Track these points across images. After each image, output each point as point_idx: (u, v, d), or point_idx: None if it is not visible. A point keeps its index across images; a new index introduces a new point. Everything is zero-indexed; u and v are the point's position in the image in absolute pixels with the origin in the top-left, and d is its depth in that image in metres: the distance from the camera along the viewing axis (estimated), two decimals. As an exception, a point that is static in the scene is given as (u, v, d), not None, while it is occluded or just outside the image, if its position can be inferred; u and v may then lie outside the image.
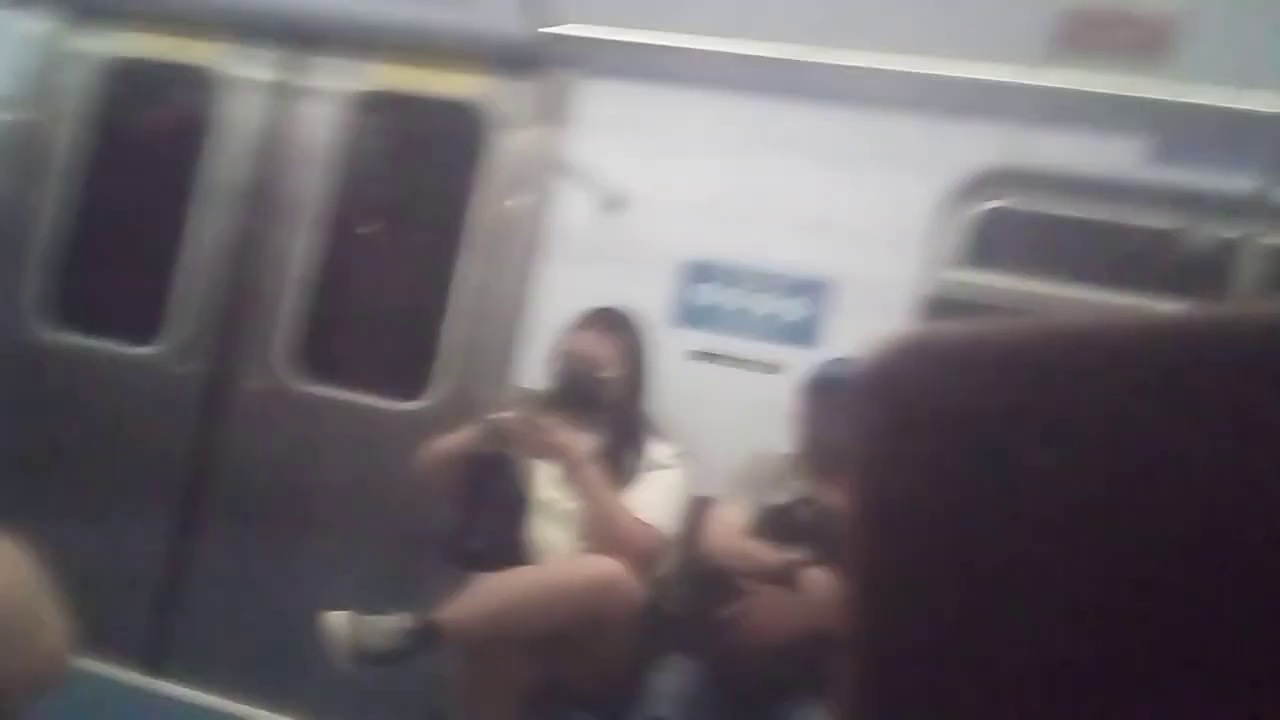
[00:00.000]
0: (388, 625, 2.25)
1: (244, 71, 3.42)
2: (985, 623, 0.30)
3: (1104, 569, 0.28)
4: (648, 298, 2.93)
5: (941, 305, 2.85)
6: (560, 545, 2.56)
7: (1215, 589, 0.27)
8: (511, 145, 3.18)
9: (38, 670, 0.78)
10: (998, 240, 2.92)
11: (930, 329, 0.32)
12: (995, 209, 2.91)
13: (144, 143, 3.64)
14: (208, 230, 3.39)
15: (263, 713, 3.11)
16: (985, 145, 2.85)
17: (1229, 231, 2.68)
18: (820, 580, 2.30)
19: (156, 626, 3.31)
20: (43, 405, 3.43)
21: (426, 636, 2.27)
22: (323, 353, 3.37)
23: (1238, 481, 0.26)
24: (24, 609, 0.77)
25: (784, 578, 2.31)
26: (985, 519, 0.30)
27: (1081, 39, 2.72)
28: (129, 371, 3.40)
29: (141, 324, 3.41)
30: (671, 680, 2.33)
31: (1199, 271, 2.66)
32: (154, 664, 3.27)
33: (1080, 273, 2.80)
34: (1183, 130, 2.69)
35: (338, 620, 2.25)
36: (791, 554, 2.34)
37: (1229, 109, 2.42)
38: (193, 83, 3.48)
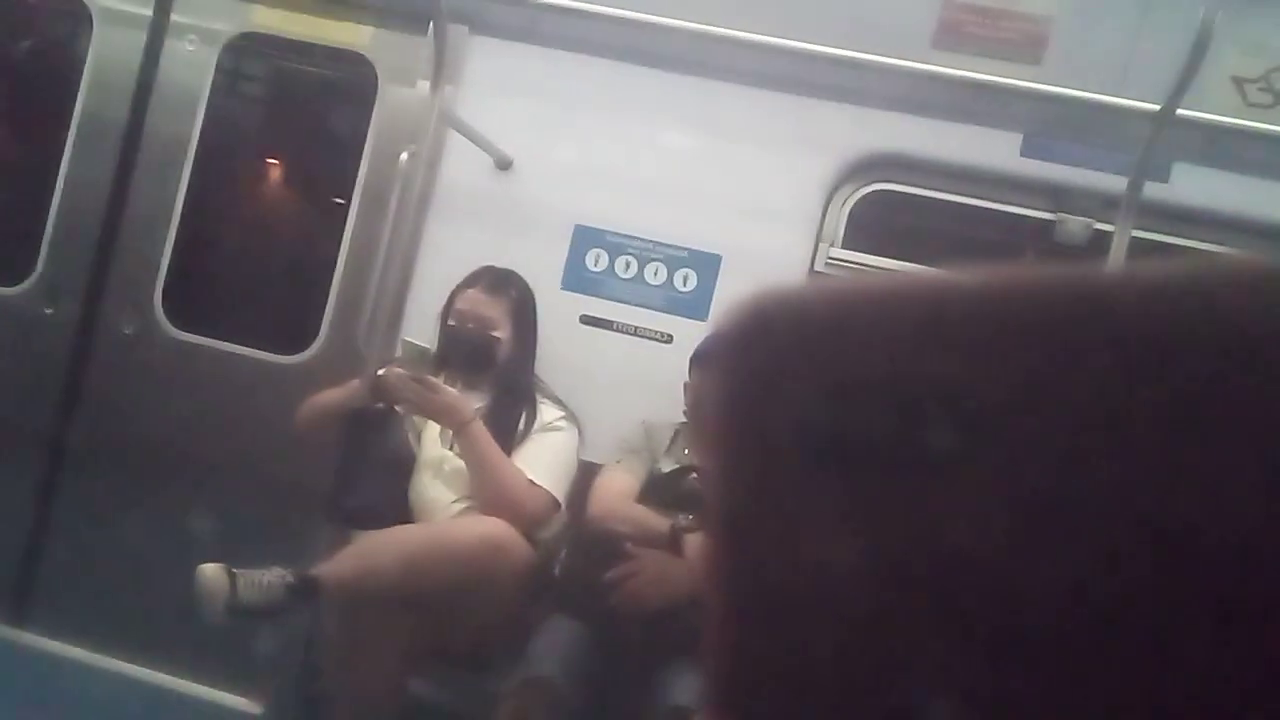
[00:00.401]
0: (264, 579, 2.19)
1: (118, 4, 3.26)
2: (843, 602, 0.28)
3: (970, 537, 0.27)
4: (538, 260, 2.94)
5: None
6: (445, 504, 2.56)
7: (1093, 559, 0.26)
8: (400, 99, 3.12)
9: None
10: (880, 222, 3.02)
11: (799, 287, 0.30)
12: (878, 191, 3.00)
13: (14, 74, 3.45)
14: (81, 168, 3.24)
15: (128, 665, 3.03)
16: (871, 130, 2.93)
17: (1099, 223, 2.84)
18: (702, 544, 2.36)
19: (21, 576, 3.19)
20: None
21: (304, 592, 2.22)
22: (202, 301, 3.27)
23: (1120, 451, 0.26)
24: None
25: (669, 543, 2.36)
26: (844, 492, 0.28)
27: (965, 32, 2.83)
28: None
29: (10, 263, 3.25)
30: (554, 640, 2.36)
31: (1070, 260, 2.81)
32: (17, 615, 3.15)
33: (957, 256, 2.91)
34: (1055, 125, 2.83)
35: (212, 573, 2.18)
36: (675, 520, 2.40)
37: (1099, 103, 2.54)
38: (65, 12, 3.31)
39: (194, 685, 2.96)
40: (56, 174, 3.23)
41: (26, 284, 3.25)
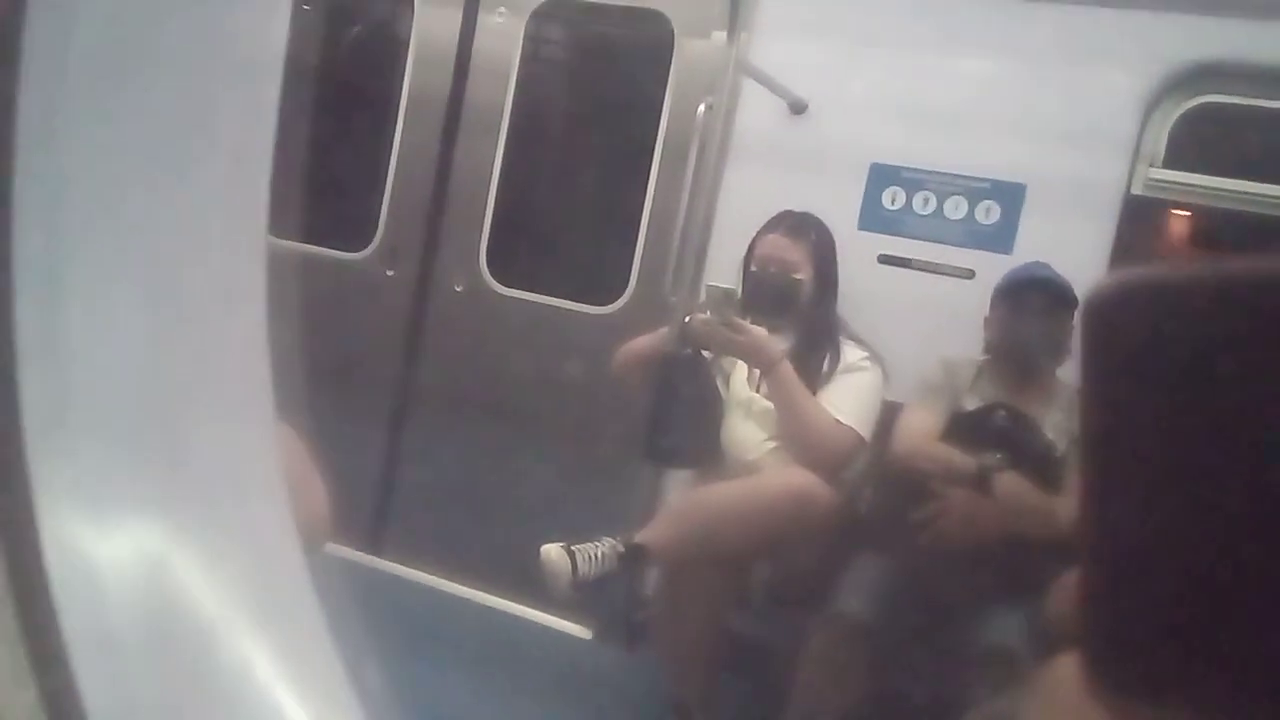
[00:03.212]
0: (599, 552, 2.37)
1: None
2: (1208, 544, 0.33)
3: None
4: (835, 202, 2.93)
5: (1145, 206, 2.76)
6: (756, 443, 2.65)
7: None
8: (696, 51, 3.20)
9: (310, 528, 0.89)
10: (1206, 138, 2.79)
11: (1147, 266, 0.35)
12: (1203, 105, 2.77)
13: (347, 56, 3.82)
14: (411, 141, 3.56)
15: (470, 590, 3.35)
16: (1195, 38, 2.70)
17: None
18: (1012, 485, 2.32)
19: (375, 511, 3.60)
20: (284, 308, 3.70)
21: (634, 559, 2.39)
22: (522, 258, 3.53)
23: None
24: (299, 476, 0.88)
25: (976, 482, 2.34)
26: (1207, 450, 0.33)
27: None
28: (345, 274, 3.64)
29: (356, 231, 3.64)
30: (863, 578, 2.41)
31: None
32: (375, 544, 3.56)
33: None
34: None
35: (555, 554, 2.36)
36: (984, 459, 2.37)
37: None
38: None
39: (529, 610, 3.23)
40: (391, 148, 3.56)
41: (370, 249, 3.63)
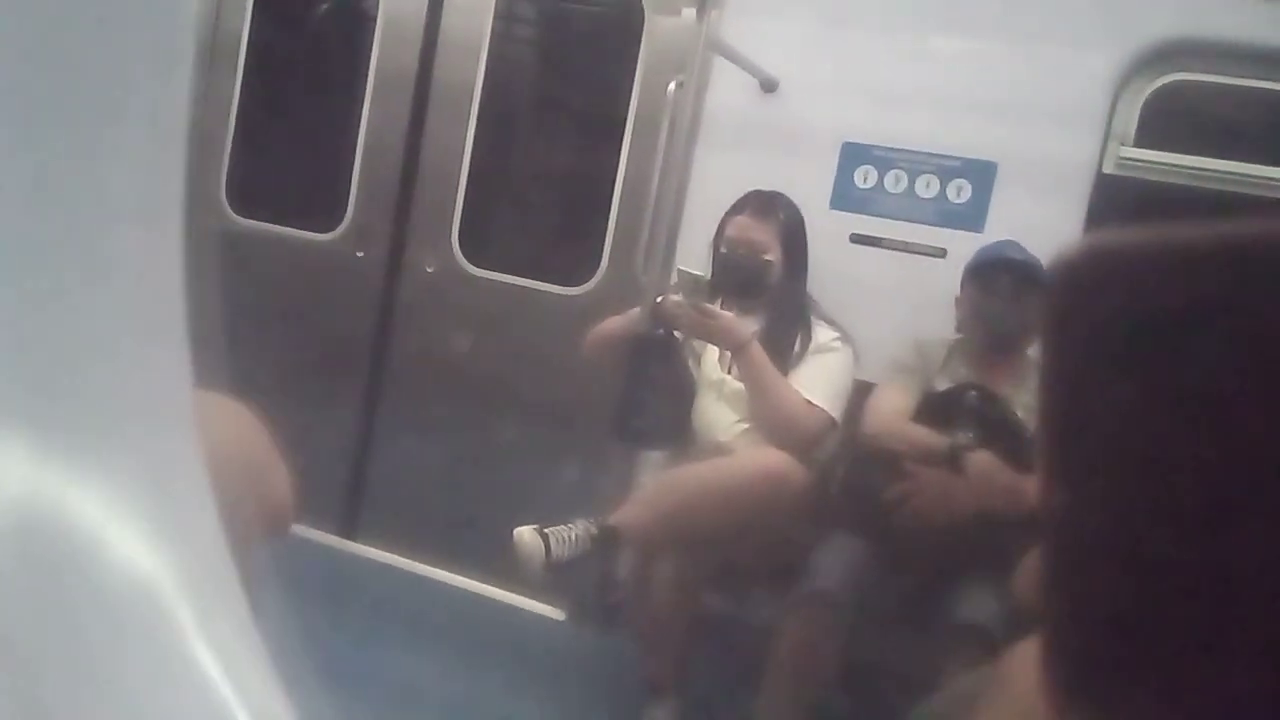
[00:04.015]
0: (572, 534, 2.36)
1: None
2: (1173, 512, 0.32)
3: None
4: (806, 181, 2.92)
5: (1117, 185, 2.76)
6: (727, 424, 2.64)
7: None
8: (666, 29, 3.17)
9: (270, 515, 0.87)
10: (1178, 116, 2.80)
11: (1114, 232, 0.34)
12: (1175, 83, 2.78)
13: (314, 35, 3.77)
14: (378, 120, 3.52)
15: (443, 573, 3.35)
16: (1166, 14, 2.70)
17: None
18: (983, 464, 2.33)
19: (349, 494, 3.58)
20: (237, 288, 3.67)
21: (608, 541, 2.39)
22: (493, 239, 3.50)
23: None
24: (259, 461, 0.86)
25: (948, 461, 2.35)
26: (1173, 417, 0.32)
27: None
28: (314, 256, 3.61)
29: (326, 212, 3.60)
30: (836, 557, 2.41)
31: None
32: (348, 528, 3.54)
33: (1266, 152, 2.67)
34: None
35: (528, 537, 2.35)
36: (955, 439, 2.38)
37: None
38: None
39: (502, 592, 3.23)
40: (359, 127, 3.52)
41: (339, 230, 3.59)
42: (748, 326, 2.58)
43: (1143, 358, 0.33)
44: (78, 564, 0.40)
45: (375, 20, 3.50)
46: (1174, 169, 2.72)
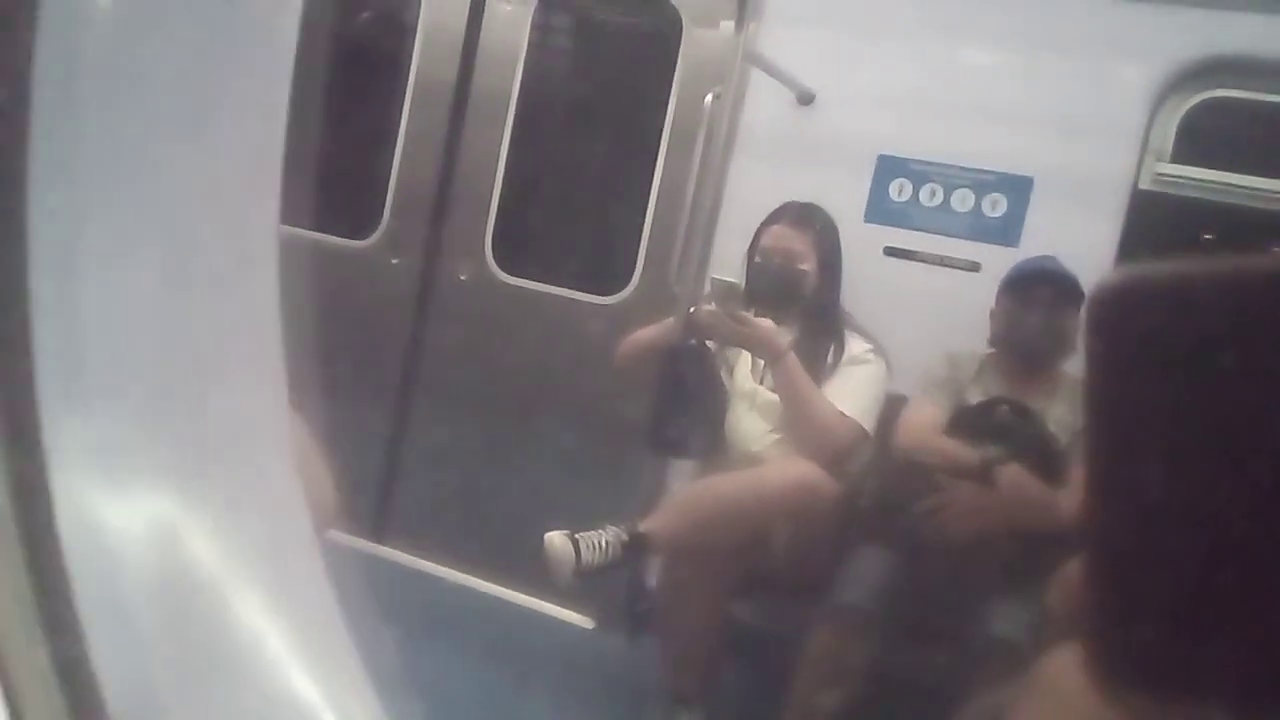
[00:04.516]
0: (603, 540, 2.37)
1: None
2: (1209, 531, 0.33)
3: None
4: (841, 193, 2.93)
5: (1153, 201, 2.75)
6: (759, 435, 2.65)
7: None
8: (704, 41, 3.19)
9: (318, 515, 0.89)
10: (1214, 133, 2.79)
11: (1151, 262, 0.35)
12: (1212, 99, 2.77)
13: (356, 43, 3.81)
14: (417, 129, 3.56)
15: (472, 578, 3.36)
16: (1204, 31, 2.70)
17: None
18: (1015, 478, 2.32)
19: (379, 499, 3.60)
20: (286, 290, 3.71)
21: (637, 547, 2.41)
22: (527, 247, 3.52)
23: None
24: (310, 465, 0.88)
25: (979, 475, 2.34)
26: (1212, 437, 0.33)
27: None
28: (350, 262, 3.64)
29: (361, 219, 3.63)
30: (865, 569, 2.41)
31: None
32: (378, 532, 3.57)
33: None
34: None
35: (559, 542, 2.37)
36: (987, 453, 2.37)
37: None
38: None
39: (531, 598, 3.24)
40: (397, 135, 3.56)
41: (374, 237, 3.63)
42: (783, 335, 2.59)
43: (1183, 381, 0.34)
44: (208, 613, 0.42)
45: (415, 30, 3.54)
46: (1210, 185, 2.71)
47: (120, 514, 0.42)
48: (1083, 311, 0.35)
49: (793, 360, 2.54)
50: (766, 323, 2.55)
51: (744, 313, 2.53)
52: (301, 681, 0.45)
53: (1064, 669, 1.62)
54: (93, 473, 0.41)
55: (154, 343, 0.43)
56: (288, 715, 0.45)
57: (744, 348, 2.64)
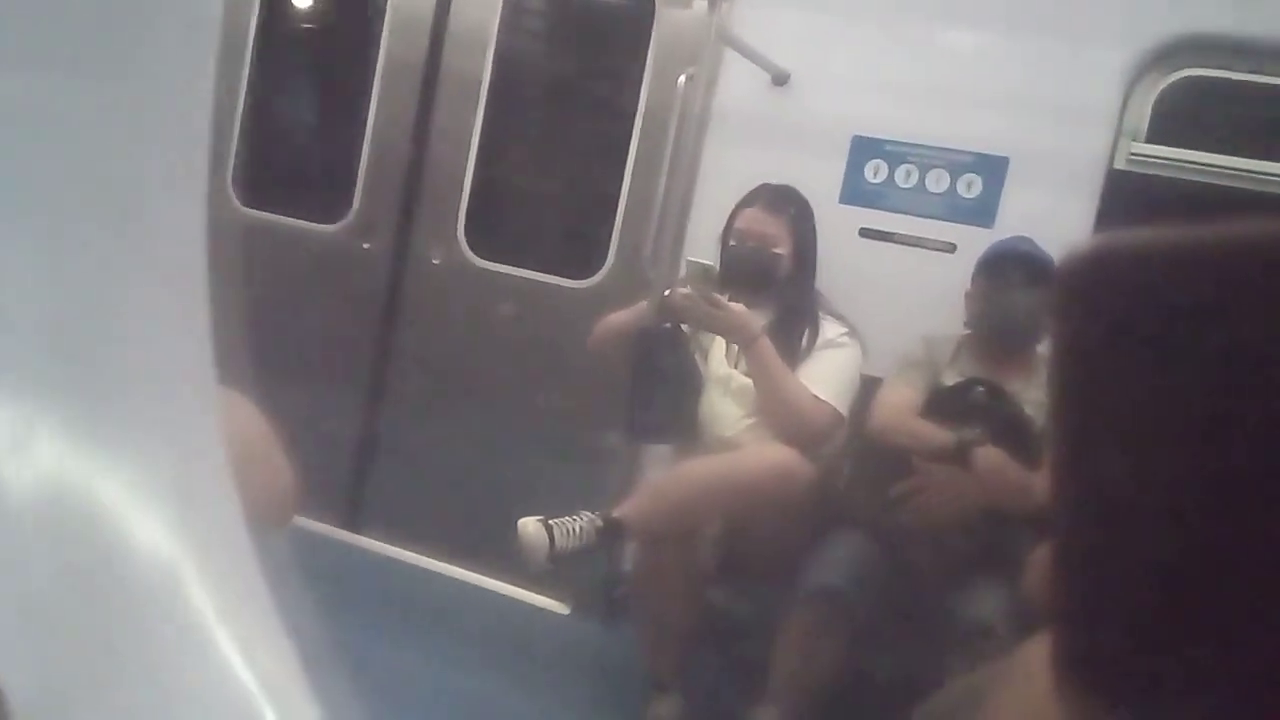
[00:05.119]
0: (577, 526, 2.36)
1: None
2: (1181, 520, 0.32)
3: None
4: (816, 175, 2.91)
5: (1128, 181, 2.74)
6: (733, 419, 2.63)
7: None
8: (677, 21, 3.16)
9: (270, 507, 0.87)
10: (1189, 112, 2.78)
11: (1121, 233, 0.34)
12: (1187, 78, 2.76)
13: (321, 25, 3.76)
14: (386, 111, 3.51)
15: (446, 565, 3.34)
16: (1179, 9, 2.68)
17: None
18: (991, 460, 2.32)
19: (353, 486, 3.57)
20: (244, 277, 3.66)
21: (612, 533, 2.39)
22: (500, 231, 3.49)
23: None
24: (260, 452, 0.85)
25: (955, 457, 2.33)
26: (1182, 415, 0.32)
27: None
28: (320, 247, 3.60)
29: (331, 203, 3.59)
30: (841, 553, 2.40)
31: None
32: (353, 521, 3.54)
33: (1278, 148, 2.66)
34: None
35: (532, 528, 2.36)
36: (962, 434, 2.36)
37: None
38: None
39: (506, 585, 3.22)
40: (366, 117, 3.51)
41: (345, 221, 3.58)
42: (758, 319, 2.57)
43: (1152, 356, 0.33)
44: (103, 543, 0.40)
45: (384, 11, 3.49)
46: (1186, 165, 2.70)
47: (19, 479, 0.39)
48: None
49: (765, 344, 2.52)
50: (739, 307, 2.53)
51: (717, 296, 2.51)
52: (235, 677, 0.43)
53: (1034, 662, 1.61)
54: None
55: (69, 307, 0.41)
56: (221, 713, 0.43)
57: (716, 332, 2.62)
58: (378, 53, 3.50)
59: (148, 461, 0.43)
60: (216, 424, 0.48)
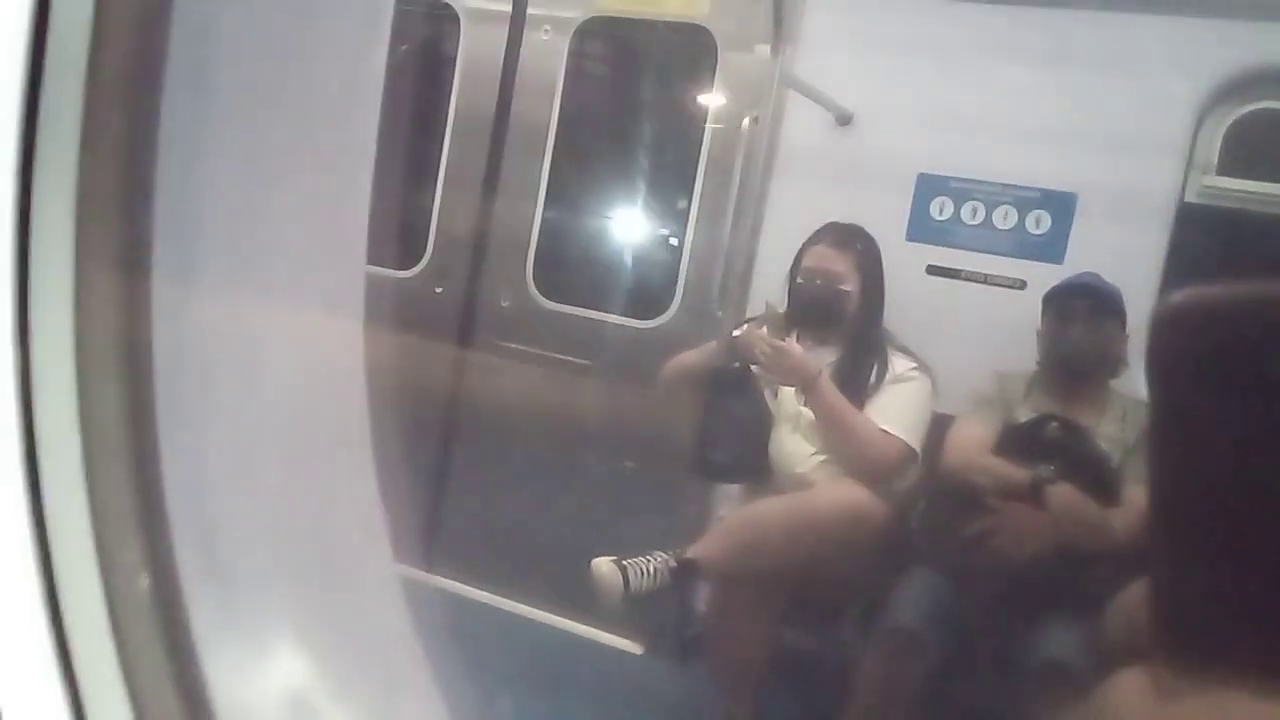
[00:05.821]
0: (651, 566, 2.40)
1: (481, 2, 3.57)
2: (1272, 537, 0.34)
3: None
4: (882, 213, 2.92)
5: (1199, 214, 2.72)
6: (804, 456, 2.64)
7: None
8: (739, 64, 3.20)
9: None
10: (1261, 145, 2.75)
11: (1211, 288, 0.35)
12: (1258, 111, 2.73)
13: (394, 76, 3.85)
14: (456, 158, 3.59)
15: (520, 605, 3.36)
16: (1248, 43, 2.66)
17: None
18: (1066, 497, 2.30)
19: (428, 526, 3.62)
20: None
21: (686, 573, 2.42)
22: (568, 273, 3.54)
23: None
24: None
25: (1030, 494, 2.32)
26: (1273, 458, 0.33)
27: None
28: (396, 292, 3.68)
29: (407, 250, 3.68)
30: (917, 591, 2.39)
31: None
32: (426, 560, 3.58)
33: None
34: None
35: (607, 568, 2.39)
36: (1036, 471, 2.34)
37: None
38: (435, 15, 3.66)
39: (580, 625, 3.23)
40: (439, 165, 3.60)
41: (420, 267, 3.66)
42: (816, 361, 2.57)
43: (1249, 400, 0.34)
44: None
45: (455, 61, 3.58)
46: (1257, 197, 2.67)
47: (262, 683, 0.42)
48: (1149, 328, 0.34)
49: (825, 384, 2.53)
50: (796, 348, 2.54)
51: (774, 338, 2.53)
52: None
53: (1126, 694, 1.59)
54: (233, 642, 0.42)
55: (275, 508, 0.44)
56: None
57: (773, 374, 2.63)
58: (449, 101, 3.59)
59: (356, 653, 0.45)
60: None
